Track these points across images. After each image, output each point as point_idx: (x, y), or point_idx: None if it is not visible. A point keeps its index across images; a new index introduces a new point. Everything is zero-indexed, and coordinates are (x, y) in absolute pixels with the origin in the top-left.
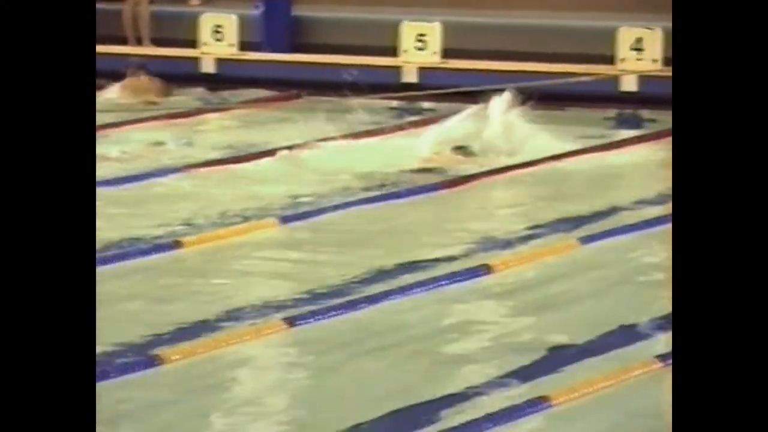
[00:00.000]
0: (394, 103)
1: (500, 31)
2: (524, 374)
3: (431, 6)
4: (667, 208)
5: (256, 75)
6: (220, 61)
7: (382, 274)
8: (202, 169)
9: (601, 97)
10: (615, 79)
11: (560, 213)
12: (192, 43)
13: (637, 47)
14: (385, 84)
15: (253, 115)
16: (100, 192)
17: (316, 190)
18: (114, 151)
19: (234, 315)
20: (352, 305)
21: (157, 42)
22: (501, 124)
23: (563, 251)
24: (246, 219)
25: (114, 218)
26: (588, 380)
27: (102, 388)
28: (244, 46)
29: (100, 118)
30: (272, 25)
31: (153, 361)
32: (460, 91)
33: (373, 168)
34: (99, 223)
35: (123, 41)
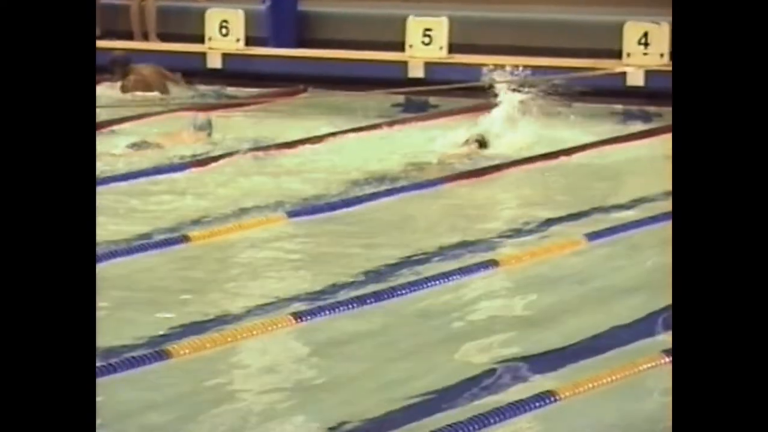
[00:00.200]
0: (401, 98)
1: (506, 25)
2: (531, 368)
3: (437, 1)
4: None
5: (262, 70)
6: (227, 57)
7: (389, 269)
8: (209, 164)
9: (608, 91)
10: (621, 74)
11: (567, 207)
12: (198, 39)
13: (644, 42)
14: (392, 79)
15: (259, 110)
16: (109, 187)
17: (324, 185)
18: (121, 146)
19: (242, 310)
20: (360, 300)
21: (164, 37)
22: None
23: (570, 246)
24: (255, 214)
25: (122, 213)
26: (594, 375)
27: (110, 382)
28: (250, 41)
29: (107, 113)
30: (278, 20)
31: (161, 356)
32: (466, 86)
33: (380, 162)
34: (107, 218)
35: (130, 36)
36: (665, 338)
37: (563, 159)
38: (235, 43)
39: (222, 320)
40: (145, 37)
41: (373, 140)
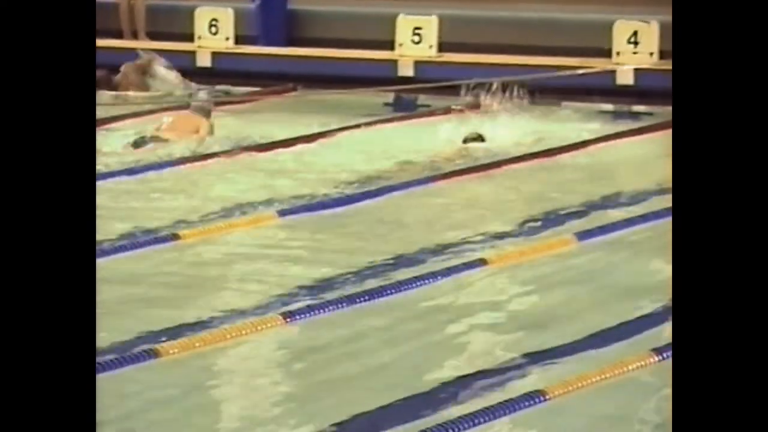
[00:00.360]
0: (391, 97)
1: (496, 24)
2: (520, 368)
3: None
4: (662, 202)
5: (251, 69)
6: (216, 55)
7: (379, 269)
8: (200, 162)
9: (597, 90)
10: (611, 73)
11: (556, 206)
12: (188, 37)
13: (633, 41)
14: (381, 77)
15: (249, 109)
16: (100, 184)
17: (314, 184)
18: (112, 144)
19: (232, 309)
20: (350, 300)
21: (153, 36)
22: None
23: (559, 245)
24: (245, 212)
25: (113, 210)
26: (583, 374)
27: (99, 381)
28: (240, 39)
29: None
30: (268, 18)
31: (151, 355)
32: (455, 84)
33: (371, 161)
34: (98, 215)
35: (119, 35)
36: (654, 337)
37: (553, 158)
38: (224, 41)
39: (211, 319)
40: (135, 35)
41: (363, 139)
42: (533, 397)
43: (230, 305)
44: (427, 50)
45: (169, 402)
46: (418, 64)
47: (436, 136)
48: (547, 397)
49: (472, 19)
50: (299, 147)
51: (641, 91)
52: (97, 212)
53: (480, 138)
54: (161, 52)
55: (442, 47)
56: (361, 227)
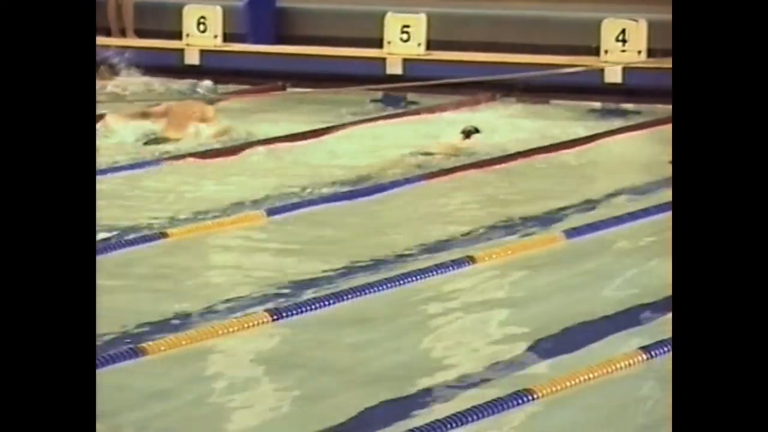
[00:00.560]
0: (379, 95)
1: (485, 22)
2: (508, 366)
3: None
4: (651, 199)
5: (240, 67)
6: (204, 53)
7: (366, 266)
8: (188, 160)
9: (586, 88)
10: (599, 71)
11: (544, 205)
12: (176, 35)
13: (622, 39)
14: (370, 75)
15: (237, 107)
16: None
17: (301, 182)
18: (98, 142)
19: (219, 307)
20: (337, 297)
21: (141, 33)
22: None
23: (547, 243)
24: (232, 211)
25: (101, 208)
26: (572, 373)
27: None
28: (228, 37)
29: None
30: (256, 16)
31: (137, 353)
32: (444, 82)
33: (360, 159)
34: None
35: (107, 32)
36: (642, 334)
37: (541, 156)
38: (212, 39)
39: (199, 317)
40: (123, 33)
41: (352, 137)
42: (521, 395)
43: (217, 303)
44: (416, 48)
45: (156, 400)
46: (407, 61)
47: (426, 133)
48: (536, 395)
49: (461, 17)
50: (288, 145)
51: (629, 89)
52: None
53: (476, 130)
54: (149, 50)
55: (431, 45)
56: (349, 225)
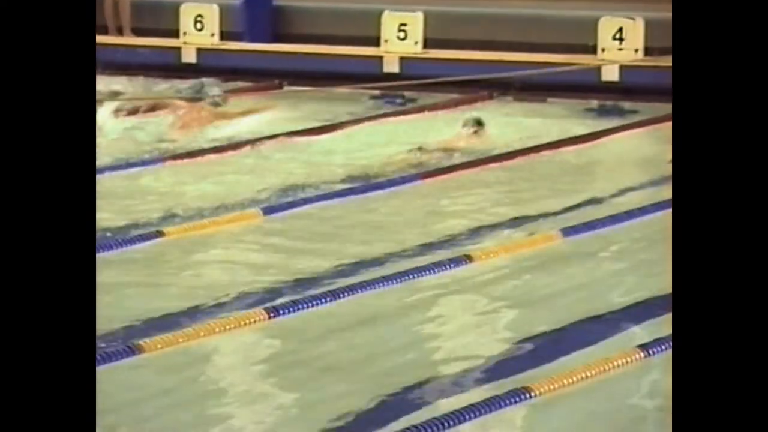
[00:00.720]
0: (376, 93)
1: (482, 21)
2: (505, 365)
3: None
4: (648, 198)
5: (237, 65)
6: (201, 51)
7: (363, 265)
8: (184, 160)
9: (583, 87)
10: (596, 69)
11: (541, 204)
12: (173, 33)
13: (619, 37)
14: (367, 74)
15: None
16: None
17: (298, 181)
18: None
19: (215, 305)
20: (333, 295)
21: (138, 32)
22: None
23: (544, 242)
24: (229, 210)
25: (98, 206)
26: (569, 371)
27: None
28: (225, 36)
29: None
30: (253, 14)
31: (134, 351)
32: (441, 81)
33: (357, 158)
34: None
35: (104, 31)
36: (640, 333)
37: (538, 154)
38: (209, 37)
39: (196, 315)
40: (120, 31)
41: (349, 136)
42: (519, 393)
43: (213, 301)
44: (413, 47)
45: (153, 397)
46: (404, 60)
47: (423, 132)
48: (533, 393)
49: (458, 15)
50: (285, 143)
51: (626, 87)
52: None
53: (479, 123)
54: (146, 49)
55: (428, 44)
56: (344, 224)
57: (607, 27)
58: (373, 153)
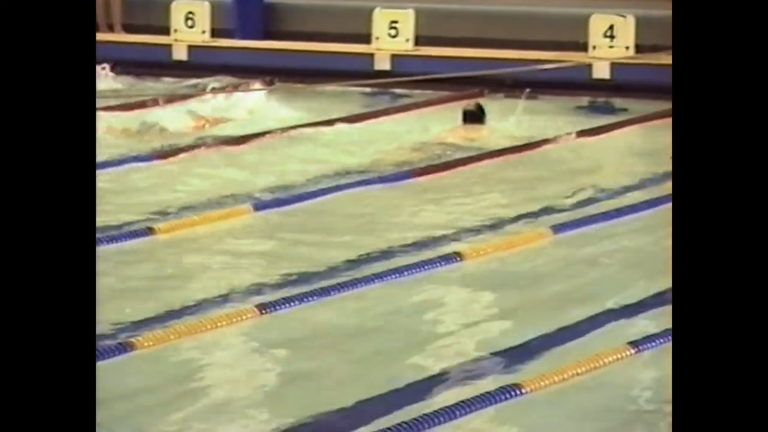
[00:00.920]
0: (367, 91)
1: (473, 18)
2: (496, 361)
3: None
4: (639, 195)
5: (228, 62)
6: (192, 48)
7: (354, 262)
8: (175, 156)
9: (574, 84)
10: (587, 67)
11: (532, 200)
12: (164, 30)
13: (610, 35)
14: (358, 71)
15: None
16: None
17: (289, 177)
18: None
19: (207, 302)
20: (325, 292)
21: (129, 29)
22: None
23: (535, 239)
24: (220, 206)
25: None
26: (560, 367)
27: None
28: (216, 33)
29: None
30: (244, 11)
31: (125, 348)
32: (432, 78)
33: (347, 155)
34: None
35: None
36: (630, 330)
37: (529, 152)
38: (200, 34)
39: (186, 312)
40: (111, 28)
41: (339, 133)
42: (509, 390)
43: (204, 298)
44: (404, 44)
45: (144, 394)
46: (395, 57)
47: (414, 129)
48: (524, 390)
49: (449, 12)
50: (275, 140)
51: (617, 84)
52: None
53: (480, 109)
54: (137, 45)
55: (419, 41)
56: (335, 221)
57: (598, 24)
58: (364, 150)
